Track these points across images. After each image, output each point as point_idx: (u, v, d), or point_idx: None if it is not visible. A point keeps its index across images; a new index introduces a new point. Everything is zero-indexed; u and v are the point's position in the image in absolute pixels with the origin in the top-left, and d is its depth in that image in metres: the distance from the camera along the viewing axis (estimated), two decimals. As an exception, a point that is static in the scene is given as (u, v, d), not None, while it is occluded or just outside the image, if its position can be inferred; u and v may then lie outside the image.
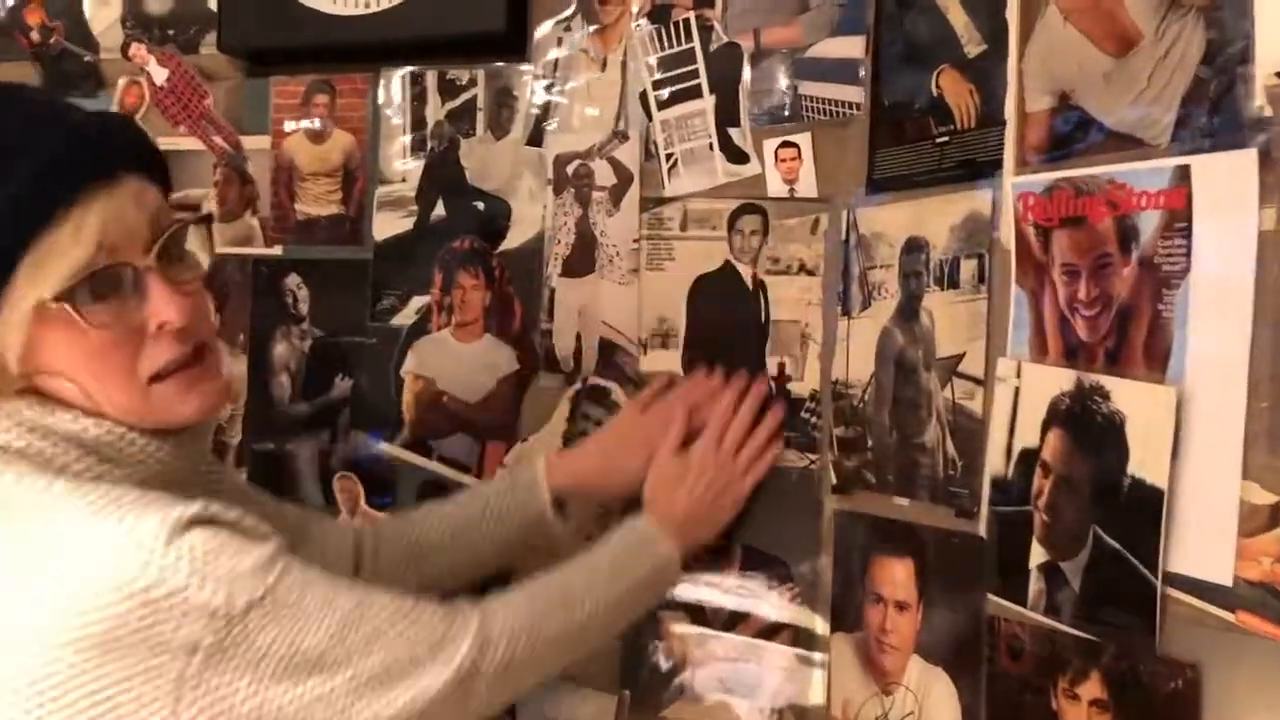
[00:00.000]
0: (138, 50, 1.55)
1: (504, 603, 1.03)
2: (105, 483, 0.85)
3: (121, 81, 1.57)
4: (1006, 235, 1.07)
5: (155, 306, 0.85)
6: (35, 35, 1.61)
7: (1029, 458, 1.04)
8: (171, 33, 1.55)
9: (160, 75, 1.54)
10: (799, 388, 1.30)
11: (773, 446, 1.28)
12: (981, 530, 1.09)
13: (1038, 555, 1.02)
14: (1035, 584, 1.03)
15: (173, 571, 0.79)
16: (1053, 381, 1.01)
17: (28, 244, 0.80)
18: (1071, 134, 1.02)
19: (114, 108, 1.57)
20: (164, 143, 1.52)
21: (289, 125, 1.51)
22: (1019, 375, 1.05)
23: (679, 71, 1.34)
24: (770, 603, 1.30)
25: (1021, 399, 1.05)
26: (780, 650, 1.29)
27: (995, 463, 1.08)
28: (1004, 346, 1.07)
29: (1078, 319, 1.00)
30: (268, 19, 1.46)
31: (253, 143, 1.53)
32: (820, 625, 1.27)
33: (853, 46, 1.25)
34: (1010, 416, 1.06)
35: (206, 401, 0.91)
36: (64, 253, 0.80)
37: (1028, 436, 1.04)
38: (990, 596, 1.07)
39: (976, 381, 1.11)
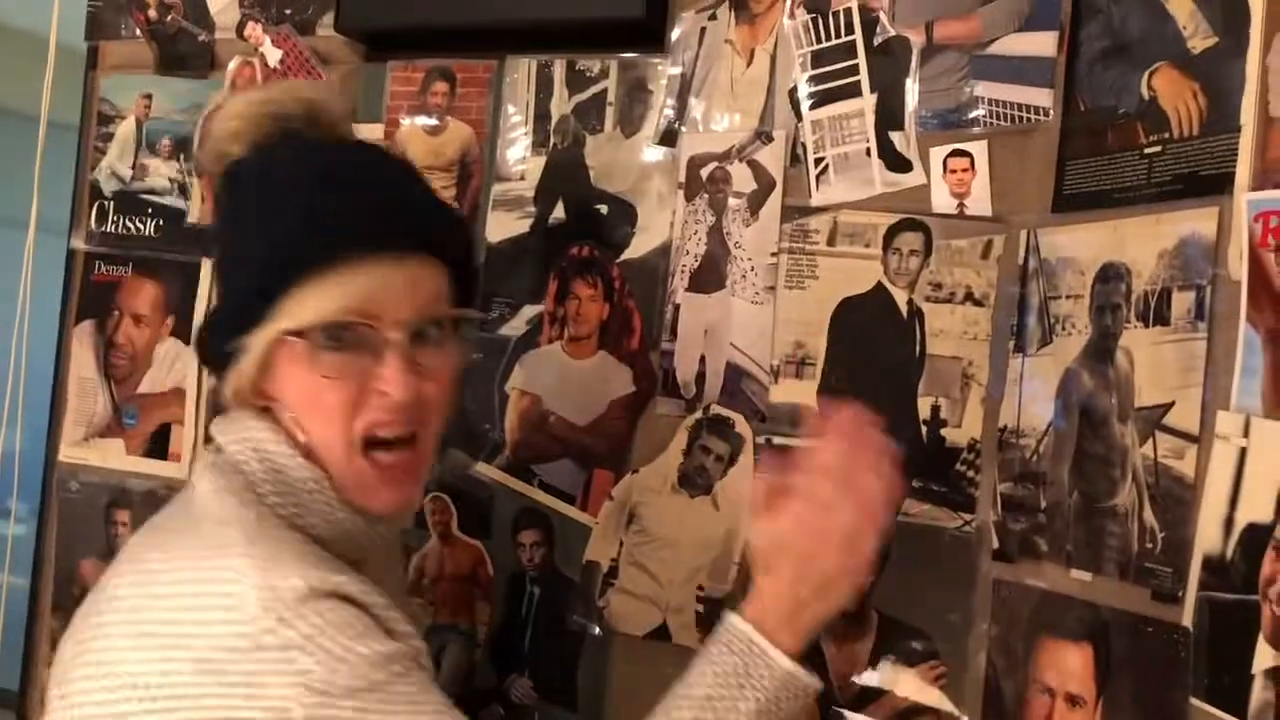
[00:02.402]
0: (253, 30, 1.47)
1: None
2: (289, 528, 0.89)
3: (234, 62, 1.49)
4: (1236, 263, 0.89)
5: (384, 373, 0.90)
6: (153, 13, 1.55)
7: (1257, 535, 0.85)
8: (289, 12, 1.46)
9: (274, 56, 1.45)
10: (955, 435, 1.13)
11: (892, 489, 0.94)
12: (1187, 619, 0.90)
13: (1266, 658, 0.83)
14: (1261, 693, 0.83)
15: (290, 628, 0.80)
16: (1294, 443, 0.82)
17: (293, 285, 0.87)
18: (1334, 141, 0.83)
19: (225, 90, 1.49)
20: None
21: (404, 116, 1.40)
22: (1247, 433, 0.87)
23: (836, 67, 1.19)
24: (909, 682, 1.12)
25: (1250, 462, 0.86)
26: (919, 738, 1.11)
27: (1209, 538, 0.89)
28: (1227, 397, 0.89)
29: (1332, 368, 0.81)
30: (389, -2, 1.36)
31: (366, 131, 1.41)
32: (968, 712, 1.09)
33: (1044, 43, 1.09)
34: (1233, 483, 0.87)
35: (398, 501, 0.95)
36: (320, 301, 0.87)
37: (1257, 509, 0.85)
38: (1195, 702, 0.88)
39: (1188, 438, 0.92)
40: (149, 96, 1.56)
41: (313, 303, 0.87)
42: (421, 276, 0.91)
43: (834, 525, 0.89)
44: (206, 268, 1.51)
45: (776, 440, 1.20)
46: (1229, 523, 0.87)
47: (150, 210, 1.55)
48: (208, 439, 0.97)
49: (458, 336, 0.95)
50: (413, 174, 1.00)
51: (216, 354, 0.93)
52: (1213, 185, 0.93)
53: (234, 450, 0.93)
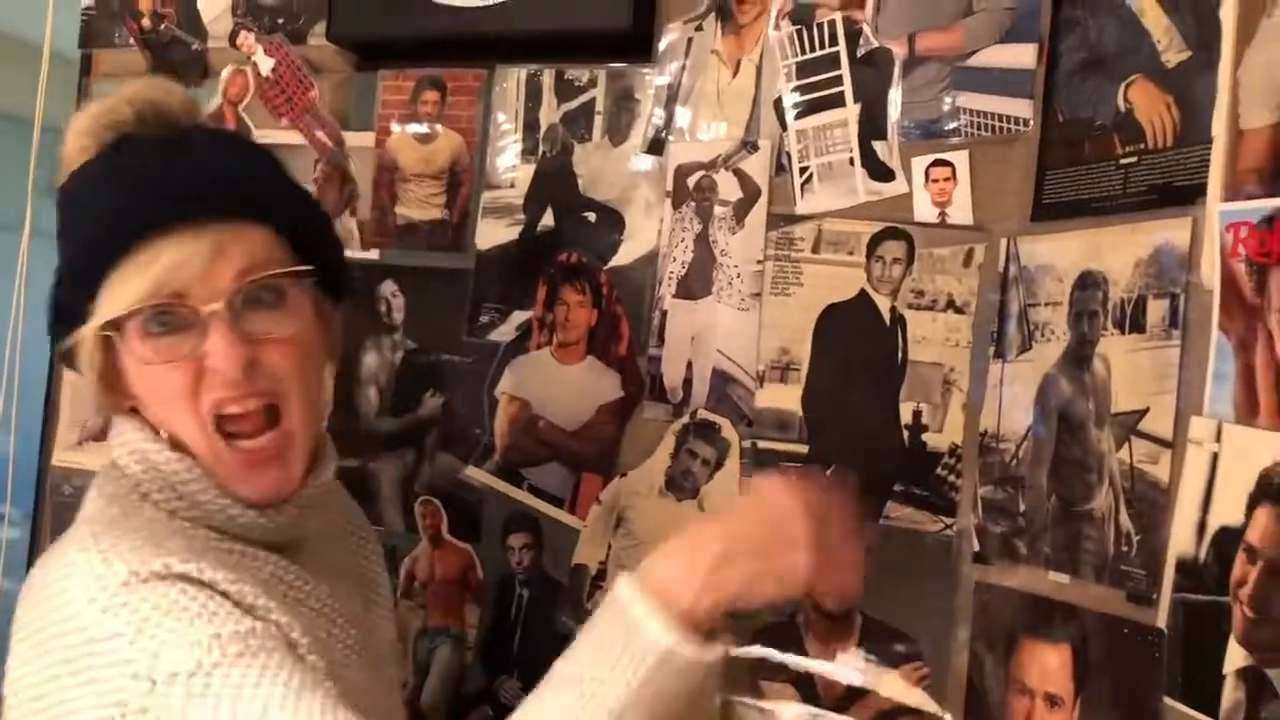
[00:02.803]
0: (245, 39, 1.48)
1: None
2: (178, 519, 0.89)
3: (226, 71, 1.51)
4: (1209, 272, 0.91)
5: (207, 347, 0.87)
6: (146, 22, 1.56)
7: (1229, 538, 0.87)
8: (281, 21, 1.48)
9: (266, 65, 1.47)
10: (936, 440, 1.15)
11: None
12: (1161, 620, 0.92)
13: (1237, 658, 0.85)
14: (1232, 692, 0.85)
15: (114, 617, 0.80)
16: (1265, 448, 0.85)
17: (101, 279, 0.86)
18: (1302, 154, 0.85)
19: (218, 98, 1.51)
20: (264, 136, 1.47)
21: (395, 125, 1.42)
22: (1219, 438, 0.88)
23: (821, 78, 1.21)
24: (892, 683, 1.13)
25: (1221, 467, 0.88)
26: (901, 738, 1.12)
27: (1183, 541, 0.90)
28: (1200, 404, 0.91)
29: (1301, 375, 0.83)
30: (380, 8, 1.38)
31: (356, 140, 1.44)
32: (950, 715, 1.10)
33: (1023, 55, 1.11)
34: (1205, 487, 0.89)
35: (269, 488, 0.91)
36: (126, 288, 0.85)
37: (1228, 512, 0.87)
38: (1169, 701, 0.90)
39: (1162, 443, 0.94)
40: (142, 104, 1.58)
41: (119, 292, 0.86)
42: (230, 243, 0.87)
43: (824, 536, 0.82)
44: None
45: (762, 445, 1.22)
46: (1202, 526, 0.89)
47: (143, 217, 1.56)
48: None
49: (309, 298, 0.92)
50: (226, 145, 0.97)
51: (69, 359, 0.93)
52: (1186, 196, 0.94)
53: (117, 455, 0.93)
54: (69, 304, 0.90)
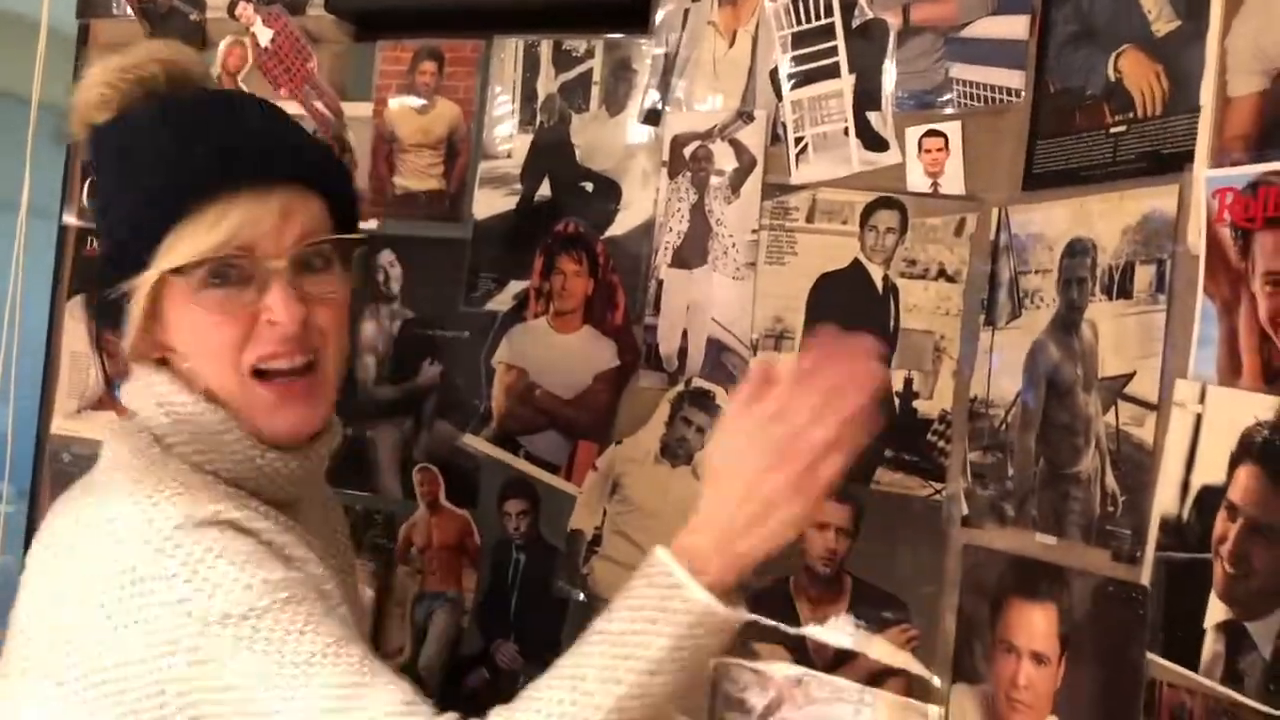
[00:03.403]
0: (244, 9, 1.49)
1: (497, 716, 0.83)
2: (199, 472, 0.91)
3: (224, 42, 1.51)
4: (1195, 238, 0.93)
5: (268, 302, 0.91)
6: (144, -9, 1.57)
7: (1211, 497, 0.88)
8: (280, -9, 1.49)
9: (265, 36, 1.47)
10: (926, 406, 1.17)
11: (863, 413, 0.87)
12: (1145, 578, 0.94)
13: (1217, 612, 0.87)
14: (1212, 645, 0.87)
15: (169, 557, 0.82)
16: (1246, 409, 0.86)
17: (167, 229, 0.89)
18: (1287, 120, 0.87)
19: (216, 69, 1.51)
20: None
21: (393, 96, 1.43)
22: (1203, 400, 0.90)
23: (816, 49, 1.22)
24: (882, 644, 1.16)
25: (1205, 428, 0.90)
26: (890, 699, 1.15)
27: (1166, 501, 0.93)
28: (1185, 367, 0.93)
29: (1283, 337, 0.85)
30: (379, -22, 1.39)
31: (355, 110, 1.45)
32: (938, 674, 1.13)
33: (1016, 26, 1.13)
34: (1189, 448, 0.91)
35: (298, 423, 0.95)
36: (195, 239, 0.89)
37: (1211, 472, 0.89)
38: (1151, 656, 0.92)
39: (1148, 406, 0.96)
40: (140, 74, 1.58)
41: (188, 241, 0.89)
42: (294, 206, 0.92)
43: (800, 439, 0.85)
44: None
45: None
46: (1185, 486, 0.91)
47: (142, 187, 1.57)
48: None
49: (343, 264, 0.97)
50: (274, 111, 1.01)
51: (106, 307, 0.94)
52: (1174, 163, 0.96)
53: (137, 407, 0.95)
54: (127, 251, 0.91)
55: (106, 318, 0.96)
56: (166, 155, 0.91)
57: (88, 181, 1.06)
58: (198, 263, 0.89)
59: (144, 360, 0.96)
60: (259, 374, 0.93)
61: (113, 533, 0.84)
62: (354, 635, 0.85)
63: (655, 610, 0.84)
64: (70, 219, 1.62)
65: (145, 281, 0.91)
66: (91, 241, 1.60)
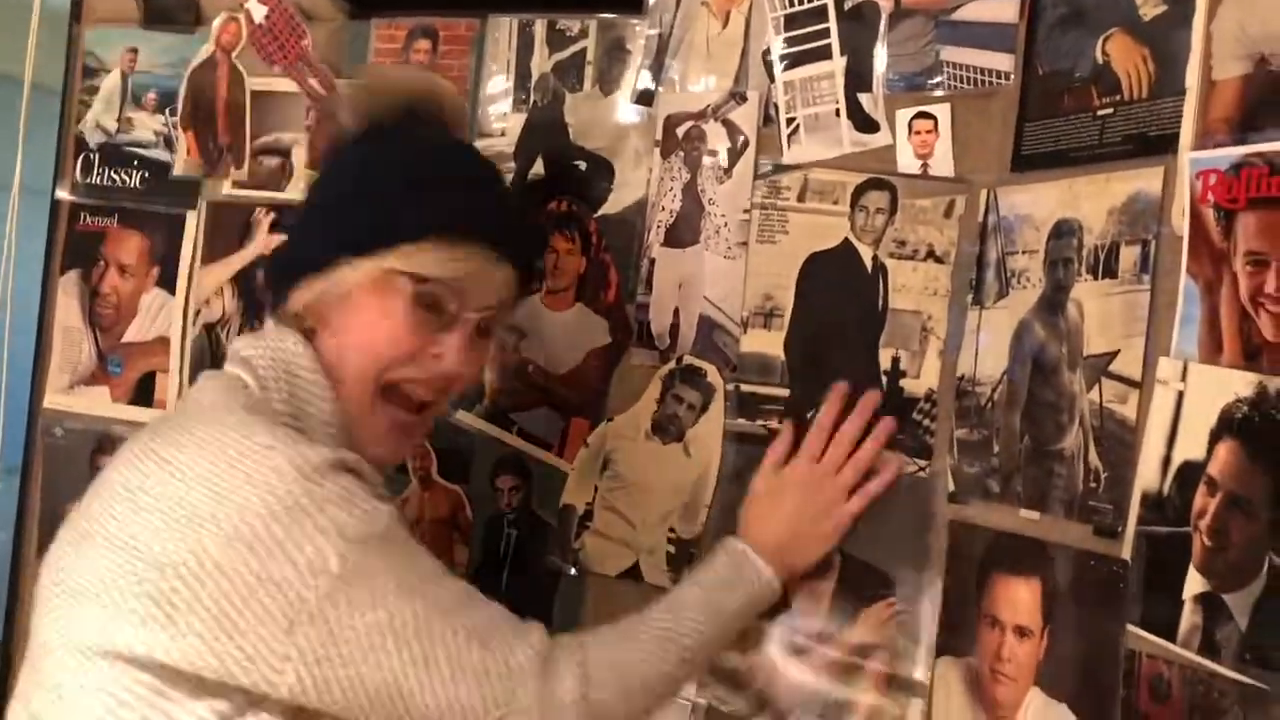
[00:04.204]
0: (239, -15, 1.49)
1: (602, 642, 1.01)
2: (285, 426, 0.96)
3: (219, 18, 1.51)
4: (1179, 219, 0.95)
5: (446, 344, 1.02)
6: (138, -33, 1.57)
7: (1191, 472, 0.90)
8: (275, -32, 1.49)
9: (259, 13, 1.48)
10: (913, 385, 1.18)
11: (885, 466, 1.17)
12: (1125, 552, 0.96)
13: (1195, 584, 0.89)
14: (1190, 617, 0.89)
15: (322, 486, 0.88)
16: (1226, 386, 0.88)
17: (419, 235, 0.99)
18: (1270, 104, 0.88)
19: (210, 45, 1.52)
20: (257, 84, 1.49)
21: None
22: (1184, 378, 0.92)
23: (808, 30, 1.23)
24: (868, 618, 1.18)
25: (1186, 405, 0.92)
26: (876, 671, 1.16)
27: (1148, 477, 0.94)
28: (1168, 345, 0.94)
29: (1263, 315, 0.87)
30: (374, -44, 1.39)
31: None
32: (924, 647, 1.15)
33: (1005, 9, 1.14)
34: (1171, 424, 0.93)
35: (398, 455, 1.10)
36: (440, 262, 0.99)
37: (1191, 448, 0.91)
38: (1131, 628, 0.94)
39: (1131, 384, 0.98)
40: (134, 50, 1.59)
41: (435, 260, 0.99)
42: (510, 281, 1.05)
43: (833, 482, 1.16)
44: (191, 220, 1.54)
45: (745, 389, 1.25)
46: (1166, 461, 0.93)
47: (135, 162, 1.58)
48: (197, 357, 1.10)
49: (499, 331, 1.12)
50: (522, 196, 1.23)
51: (303, 261, 1.02)
52: (1160, 145, 0.98)
53: (255, 356, 1.01)
54: (371, 230, 1.00)
55: (282, 275, 1.05)
56: (462, 174, 1.05)
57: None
58: (428, 279, 0.99)
59: (294, 319, 1.03)
60: (387, 391, 1.02)
61: (261, 462, 0.88)
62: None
63: (735, 576, 1.11)
64: (63, 194, 1.62)
65: (375, 267, 0.99)
66: (85, 216, 1.60)
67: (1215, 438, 0.88)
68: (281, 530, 0.86)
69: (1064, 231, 1.05)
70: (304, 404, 0.99)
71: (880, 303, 1.20)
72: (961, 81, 1.16)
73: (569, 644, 0.98)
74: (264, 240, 1.48)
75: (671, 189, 1.30)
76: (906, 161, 1.19)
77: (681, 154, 1.30)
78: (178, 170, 1.55)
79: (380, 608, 0.88)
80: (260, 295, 1.47)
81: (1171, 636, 0.90)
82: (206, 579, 0.86)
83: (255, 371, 1.00)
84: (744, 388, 1.25)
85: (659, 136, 1.31)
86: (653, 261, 1.31)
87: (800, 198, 1.24)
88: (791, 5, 1.24)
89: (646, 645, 1.02)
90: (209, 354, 1.52)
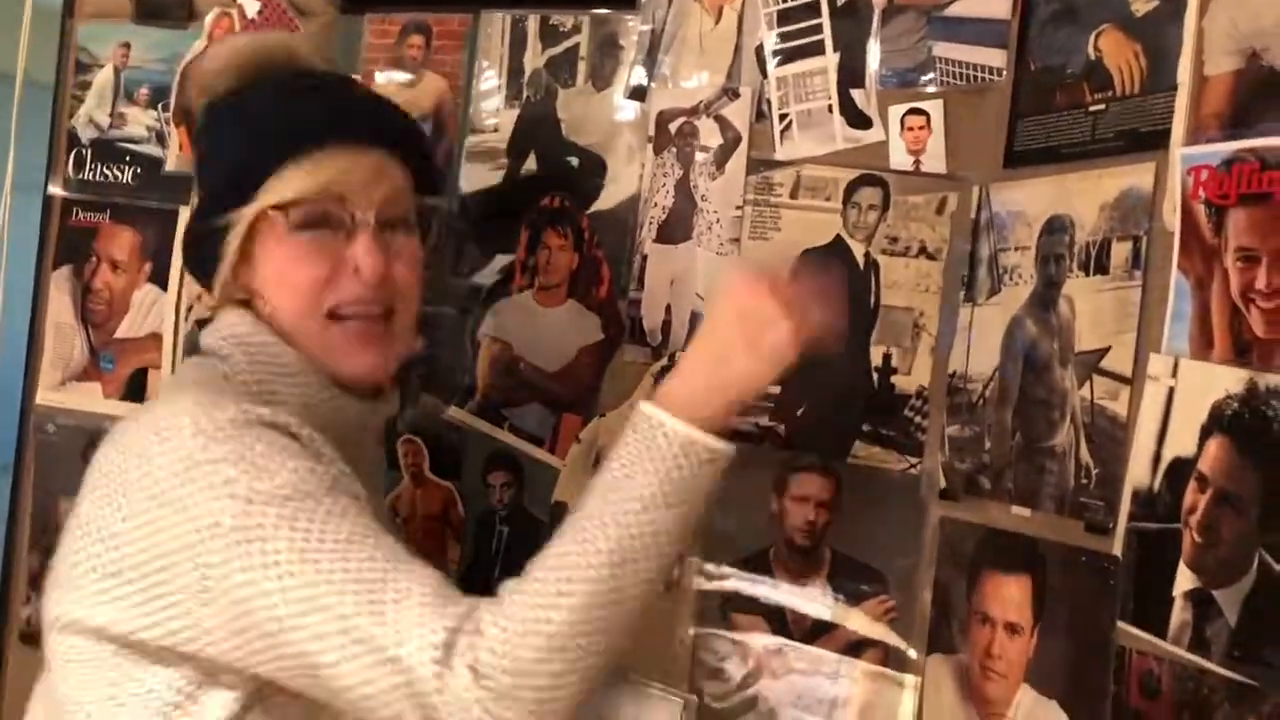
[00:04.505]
0: (232, -20, 1.49)
1: (501, 605, 0.85)
2: (251, 400, 0.94)
3: (211, 14, 1.51)
4: (1170, 215, 0.94)
5: (356, 251, 0.99)
6: (131, -38, 1.56)
7: (1182, 469, 0.90)
8: (267, -37, 1.48)
9: (252, 8, 1.47)
10: (904, 382, 1.18)
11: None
12: (1116, 549, 0.96)
13: (1185, 581, 0.89)
14: (1180, 614, 0.89)
15: (220, 445, 0.87)
16: (1217, 382, 0.88)
17: (271, 171, 0.98)
18: (1261, 99, 0.88)
19: (203, 40, 1.51)
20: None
21: (380, 69, 1.43)
22: (1175, 374, 0.92)
23: (801, 25, 1.23)
24: (859, 615, 1.18)
25: (1177, 401, 0.92)
26: (867, 668, 1.16)
27: (1139, 473, 0.94)
28: (1159, 341, 0.94)
29: (1253, 311, 0.87)
30: (367, -50, 1.39)
31: (341, 83, 1.45)
32: (915, 644, 1.14)
33: (998, 5, 1.14)
34: (1161, 420, 0.93)
35: (375, 364, 1.02)
36: (296, 181, 0.98)
37: (1182, 444, 0.91)
38: (1122, 625, 0.94)
39: (1122, 380, 0.97)
40: (127, 45, 1.58)
41: (290, 183, 0.98)
42: (385, 168, 1.01)
43: (802, 306, 0.94)
44: (184, 216, 1.53)
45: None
46: (1157, 458, 0.93)
47: (128, 158, 1.57)
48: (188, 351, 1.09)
49: (420, 230, 1.06)
50: (375, 91, 1.13)
51: (202, 238, 1.02)
52: (1152, 141, 0.97)
53: (211, 344, 1.02)
54: (232, 188, 0.99)
55: (195, 262, 1.06)
56: (278, 108, 1.01)
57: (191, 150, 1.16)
58: (296, 201, 0.97)
59: (227, 302, 1.03)
60: (335, 318, 1.00)
61: (175, 423, 0.89)
62: (386, 531, 0.89)
63: (640, 449, 0.89)
64: (56, 189, 1.62)
65: (246, 215, 0.98)
66: (77, 212, 1.60)
67: (1206, 434, 0.88)
68: (183, 489, 0.86)
69: (1056, 228, 1.05)
70: (265, 368, 0.99)
71: (872, 299, 1.20)
72: (954, 78, 1.16)
73: (468, 621, 0.83)
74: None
75: (664, 185, 1.30)
76: (899, 158, 1.19)
77: (674, 150, 1.29)
78: (170, 166, 1.55)
79: (275, 573, 0.83)
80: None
81: (1162, 633, 0.90)
82: (134, 543, 0.88)
83: (219, 354, 1.01)
84: (736, 383, 1.25)
85: (651, 132, 1.30)
86: (645, 258, 1.30)
87: (793, 194, 1.24)
88: (784, 1, 1.24)
89: (552, 585, 0.84)
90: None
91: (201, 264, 1.04)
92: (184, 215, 1.52)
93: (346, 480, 0.91)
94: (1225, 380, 0.87)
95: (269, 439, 0.89)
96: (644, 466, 0.88)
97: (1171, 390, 0.92)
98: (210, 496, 0.86)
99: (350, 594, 0.83)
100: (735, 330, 0.93)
